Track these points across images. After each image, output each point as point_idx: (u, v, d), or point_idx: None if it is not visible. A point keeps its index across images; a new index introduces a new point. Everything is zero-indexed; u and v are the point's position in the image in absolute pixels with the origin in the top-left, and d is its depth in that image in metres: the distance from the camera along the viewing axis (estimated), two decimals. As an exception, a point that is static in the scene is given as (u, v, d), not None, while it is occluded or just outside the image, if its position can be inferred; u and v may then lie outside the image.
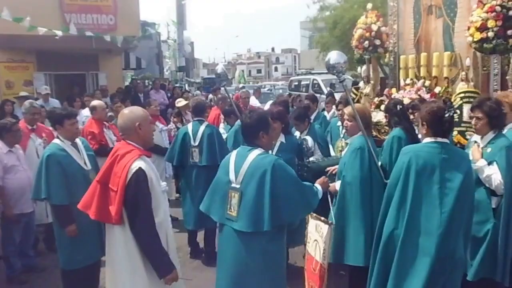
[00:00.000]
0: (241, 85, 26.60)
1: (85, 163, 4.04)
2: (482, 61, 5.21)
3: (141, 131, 2.92)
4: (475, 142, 3.71)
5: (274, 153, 4.32)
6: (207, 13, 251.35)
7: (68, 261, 3.96)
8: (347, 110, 3.89)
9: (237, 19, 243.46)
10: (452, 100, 4.93)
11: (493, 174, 3.41)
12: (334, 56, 3.39)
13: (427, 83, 5.41)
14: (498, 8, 4.69)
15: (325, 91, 15.84)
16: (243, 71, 59.51)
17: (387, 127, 4.95)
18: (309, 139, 4.69)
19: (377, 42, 5.95)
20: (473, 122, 3.69)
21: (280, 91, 24.33)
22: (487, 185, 3.47)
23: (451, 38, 5.55)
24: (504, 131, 3.67)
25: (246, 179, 2.92)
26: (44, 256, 5.53)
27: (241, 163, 2.98)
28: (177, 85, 20.05)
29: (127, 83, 17.96)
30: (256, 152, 2.98)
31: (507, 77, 5.71)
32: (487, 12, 4.74)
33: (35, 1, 10.30)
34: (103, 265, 3.55)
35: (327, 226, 3.28)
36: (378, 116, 5.39)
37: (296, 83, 20.78)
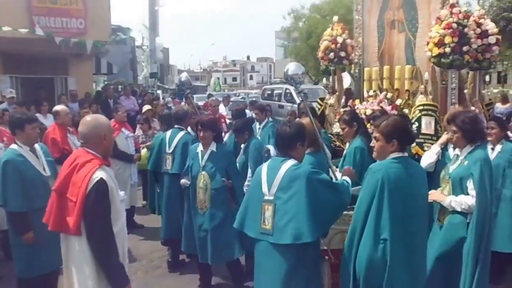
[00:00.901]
0: (207, 93, 26.61)
1: (44, 169, 3.98)
2: (441, 75, 5.40)
3: (105, 142, 2.87)
4: (457, 155, 3.68)
5: (203, 162, 4.35)
6: (183, 19, 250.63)
7: (25, 269, 3.86)
8: None
9: (213, 26, 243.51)
10: (412, 112, 5.09)
11: (464, 202, 3.40)
12: (292, 67, 3.46)
13: (389, 95, 5.56)
14: (454, 25, 4.90)
15: (298, 101, 16.05)
16: (218, 78, 59.48)
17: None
18: (271, 148, 4.75)
19: (342, 54, 6.10)
20: (449, 135, 3.73)
21: (254, 99, 24.43)
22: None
23: (413, 52, 5.74)
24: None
25: (281, 190, 2.91)
26: (3, 264, 5.40)
27: (274, 175, 2.96)
28: (150, 91, 19.92)
29: (99, 88, 17.73)
30: (290, 162, 2.98)
31: (465, 91, 5.96)
32: (444, 29, 4.93)
33: (1, 3, 10.10)
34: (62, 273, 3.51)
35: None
36: (341, 127, 5.51)
37: (269, 92, 20.96)
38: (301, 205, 2.82)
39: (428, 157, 4.17)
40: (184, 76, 5.15)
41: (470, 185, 3.39)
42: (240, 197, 3.94)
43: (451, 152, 3.99)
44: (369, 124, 4.78)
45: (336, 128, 5.76)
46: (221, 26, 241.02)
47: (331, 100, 6.10)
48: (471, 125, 3.52)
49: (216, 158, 4.38)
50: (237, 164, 4.82)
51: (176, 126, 5.48)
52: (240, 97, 28.16)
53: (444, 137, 4.19)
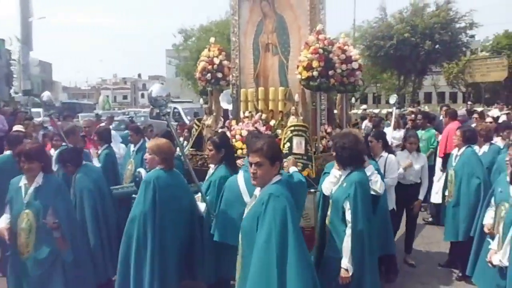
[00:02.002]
0: (95, 112, 25.25)
1: None
2: (311, 97, 5.65)
3: None
4: (337, 176, 3.90)
5: (27, 199, 3.81)
6: (68, 33, 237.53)
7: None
8: (149, 144, 4.05)
9: (103, 42, 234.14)
10: (284, 132, 5.22)
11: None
12: (156, 89, 3.34)
13: (264, 116, 5.67)
14: (320, 51, 5.16)
15: (186, 120, 15.88)
16: (108, 96, 57.06)
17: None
18: (143, 172, 4.53)
19: (219, 75, 6.10)
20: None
21: (142, 118, 23.80)
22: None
23: (286, 75, 5.92)
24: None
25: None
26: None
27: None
28: (23, 109, 18.33)
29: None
30: None
31: (334, 112, 6.31)
32: (312, 53, 5.17)
33: None
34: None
35: None
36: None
37: (157, 111, 20.52)
38: None
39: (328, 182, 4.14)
40: (46, 95, 4.75)
41: (346, 206, 3.58)
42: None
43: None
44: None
45: (213, 149, 5.72)
46: (110, 42, 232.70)
47: (208, 121, 6.05)
48: (344, 149, 3.72)
49: (44, 194, 3.82)
50: None
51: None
52: (128, 116, 27.17)
53: None
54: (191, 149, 5.97)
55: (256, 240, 2.85)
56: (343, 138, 3.84)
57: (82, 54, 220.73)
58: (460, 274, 5.50)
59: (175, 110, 18.31)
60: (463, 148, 5.56)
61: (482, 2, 31.49)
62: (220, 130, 5.95)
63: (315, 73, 5.15)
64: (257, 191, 3.06)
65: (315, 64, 5.14)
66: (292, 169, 4.30)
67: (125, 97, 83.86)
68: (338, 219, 3.70)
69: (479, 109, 16.63)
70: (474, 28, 22.87)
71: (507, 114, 9.47)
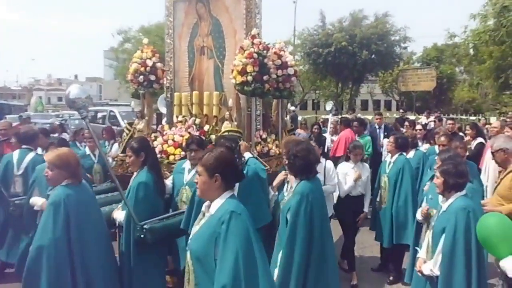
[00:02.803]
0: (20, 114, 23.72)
1: None
2: (247, 103, 5.57)
3: None
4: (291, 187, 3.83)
5: None
6: (1, 31, 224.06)
7: None
8: (47, 157, 3.50)
9: (33, 41, 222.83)
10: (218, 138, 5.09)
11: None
12: (75, 91, 3.10)
13: (198, 121, 5.52)
14: (255, 55, 5.09)
15: (123, 124, 15.31)
16: (40, 97, 54.13)
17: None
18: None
19: (152, 77, 5.87)
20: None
21: (77, 121, 22.71)
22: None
23: (221, 79, 5.83)
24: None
25: None
26: None
27: None
28: None
29: None
30: None
31: (271, 118, 6.27)
32: (246, 58, 5.09)
33: None
34: None
35: None
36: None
37: (93, 114, 19.69)
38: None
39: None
40: None
41: (288, 216, 3.52)
42: None
43: None
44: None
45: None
46: (43, 41, 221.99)
47: (140, 125, 5.80)
48: (299, 158, 3.64)
49: None
50: None
51: (23, 146, 5.34)
52: (61, 118, 25.87)
53: (280, 177, 4.36)
54: (121, 154, 5.68)
55: (218, 264, 2.43)
56: (296, 146, 3.75)
57: (12, 52, 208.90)
58: (391, 278, 5.60)
59: (111, 113, 17.66)
60: (396, 155, 5.69)
61: (416, 15, 33.15)
62: (153, 135, 5.73)
63: (249, 78, 5.09)
64: (205, 206, 2.67)
65: (249, 68, 5.07)
66: (247, 155, 4.36)
67: (60, 99, 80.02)
68: (284, 233, 3.58)
69: (411, 117, 17.42)
70: (407, 42, 24.05)
71: (433, 121, 9.88)
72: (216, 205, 2.57)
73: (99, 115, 18.94)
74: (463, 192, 3.63)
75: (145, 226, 3.58)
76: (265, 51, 5.19)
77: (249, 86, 5.12)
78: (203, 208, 2.69)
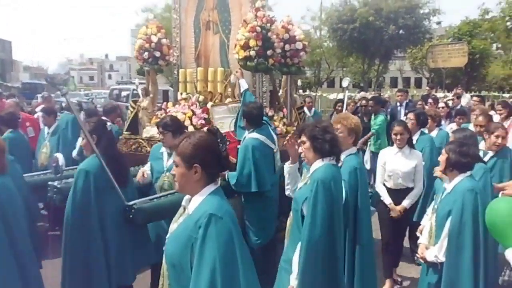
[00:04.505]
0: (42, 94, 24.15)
1: None
2: (252, 79, 5.38)
3: None
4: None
5: None
6: (35, 12, 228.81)
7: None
8: None
9: (68, 22, 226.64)
10: (220, 116, 4.95)
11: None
12: (54, 66, 2.99)
13: (201, 98, 5.38)
14: (258, 29, 4.88)
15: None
16: (73, 77, 55.27)
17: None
18: (60, 156, 4.17)
19: (157, 54, 5.74)
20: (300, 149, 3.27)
21: (102, 100, 23.08)
22: None
23: (227, 55, 5.65)
24: (342, 157, 3.34)
25: None
26: None
27: None
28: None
29: None
30: None
31: (279, 94, 6.06)
32: (249, 32, 4.89)
33: None
34: None
35: None
36: (152, 131, 5.18)
37: (117, 92, 19.97)
38: None
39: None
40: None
41: (304, 208, 2.99)
42: None
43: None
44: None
45: (146, 132, 5.40)
46: (75, 21, 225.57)
47: (144, 102, 5.71)
48: (329, 134, 3.09)
49: None
50: None
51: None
52: (89, 97, 26.32)
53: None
54: (125, 133, 5.63)
55: (192, 278, 2.06)
56: (322, 123, 3.22)
57: (45, 32, 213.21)
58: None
59: (134, 91, 17.73)
60: (418, 133, 5.40)
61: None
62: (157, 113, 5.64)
63: (252, 53, 4.88)
64: (185, 200, 2.28)
65: (252, 43, 4.87)
66: (242, 81, 4.73)
67: (91, 78, 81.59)
68: (296, 226, 3.10)
69: (440, 94, 16.78)
70: (437, 14, 23.10)
71: (451, 99, 9.34)
72: (195, 204, 2.18)
73: (123, 93, 19.15)
74: (468, 173, 3.38)
75: (134, 206, 3.48)
76: (269, 25, 4.97)
77: (252, 61, 4.93)
78: (183, 202, 2.31)
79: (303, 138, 3.14)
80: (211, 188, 2.19)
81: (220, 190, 2.24)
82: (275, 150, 4.57)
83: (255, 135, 4.40)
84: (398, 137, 4.62)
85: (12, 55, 58.33)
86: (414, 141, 5.17)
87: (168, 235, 2.28)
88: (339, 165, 3.31)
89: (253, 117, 4.41)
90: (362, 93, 15.47)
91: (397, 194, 4.69)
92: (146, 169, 4.22)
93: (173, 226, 2.28)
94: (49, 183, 4.05)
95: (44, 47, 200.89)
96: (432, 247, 3.48)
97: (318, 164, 3.07)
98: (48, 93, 9.51)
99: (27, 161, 5.65)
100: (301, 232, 2.95)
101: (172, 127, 3.91)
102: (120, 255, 3.40)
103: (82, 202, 3.32)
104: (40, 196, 4.41)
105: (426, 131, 5.75)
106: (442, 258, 3.36)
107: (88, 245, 3.29)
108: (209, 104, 5.25)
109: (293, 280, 2.97)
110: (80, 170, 3.37)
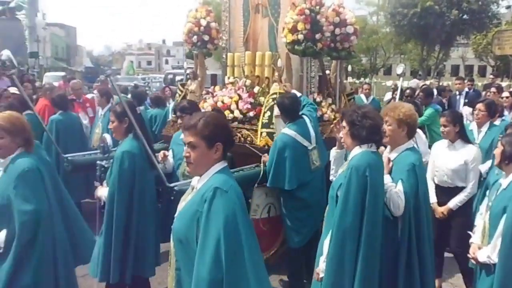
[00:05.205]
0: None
1: None
2: (301, 63, 5.27)
3: None
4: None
5: None
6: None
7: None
8: None
9: (126, 8, 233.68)
10: (266, 100, 4.89)
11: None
12: (99, 49, 3.06)
13: (248, 82, 5.33)
14: (307, 12, 4.74)
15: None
16: (132, 62, 57.12)
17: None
18: (108, 137, 4.28)
19: (206, 37, 5.74)
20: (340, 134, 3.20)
21: (158, 84, 23.69)
22: None
23: (275, 38, 5.56)
24: (394, 155, 3.25)
25: None
26: None
27: None
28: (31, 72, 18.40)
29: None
30: None
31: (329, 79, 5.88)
32: (298, 15, 4.76)
33: None
34: None
35: None
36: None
37: (171, 77, 20.62)
38: None
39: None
40: (5, 54, 4.48)
41: (339, 194, 2.90)
42: None
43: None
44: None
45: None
46: (134, 7, 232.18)
47: (192, 86, 5.74)
48: (369, 119, 2.90)
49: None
50: None
51: None
52: (144, 81, 27.09)
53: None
54: (173, 116, 5.70)
55: (197, 251, 2.09)
56: (361, 108, 3.04)
57: (107, 18, 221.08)
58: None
59: (188, 76, 18.09)
60: (487, 124, 5.02)
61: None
62: (205, 96, 5.67)
63: (300, 36, 4.76)
64: (195, 181, 2.33)
65: (300, 26, 4.74)
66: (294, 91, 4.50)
67: (149, 63, 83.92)
68: (331, 212, 3.00)
69: (505, 83, 15.77)
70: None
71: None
72: (204, 179, 2.22)
73: (177, 78, 19.64)
74: None
75: (175, 188, 3.52)
76: (318, 7, 4.81)
77: (300, 45, 4.81)
78: (192, 182, 2.35)
79: (343, 123, 3.04)
80: (221, 165, 2.25)
81: (227, 168, 2.29)
82: (310, 148, 4.31)
83: (287, 130, 4.25)
84: (442, 129, 4.30)
85: (76, 40, 61.02)
86: (483, 134, 4.89)
87: (176, 214, 2.33)
88: (390, 165, 3.20)
89: (285, 108, 4.27)
90: (415, 81, 14.77)
91: (445, 192, 4.28)
92: (169, 157, 4.24)
93: (181, 205, 2.34)
94: (98, 162, 4.18)
95: (104, 33, 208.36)
96: (485, 247, 3.25)
97: (356, 151, 2.96)
98: (104, 76, 9.89)
99: (76, 142, 5.92)
100: (333, 219, 2.88)
101: (190, 110, 3.82)
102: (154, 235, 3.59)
103: (128, 183, 3.44)
104: (91, 175, 4.59)
105: (497, 122, 5.35)
106: (495, 259, 3.12)
107: (129, 224, 3.39)
108: (256, 89, 5.20)
109: (321, 262, 2.95)
110: (124, 151, 3.45)
